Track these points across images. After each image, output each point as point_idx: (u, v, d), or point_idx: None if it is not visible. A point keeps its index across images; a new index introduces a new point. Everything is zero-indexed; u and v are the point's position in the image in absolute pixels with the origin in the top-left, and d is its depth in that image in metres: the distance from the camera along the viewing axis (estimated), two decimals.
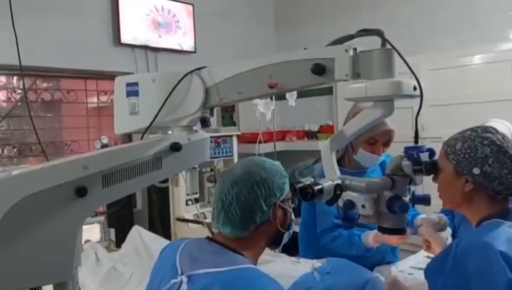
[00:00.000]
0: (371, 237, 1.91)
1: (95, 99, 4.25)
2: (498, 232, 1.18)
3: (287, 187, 1.26)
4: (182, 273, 1.15)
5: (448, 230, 2.52)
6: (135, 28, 4.12)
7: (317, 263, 1.73)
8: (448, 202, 1.34)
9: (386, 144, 2.00)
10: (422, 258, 2.13)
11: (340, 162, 2.05)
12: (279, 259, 2.05)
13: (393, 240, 1.87)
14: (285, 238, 1.31)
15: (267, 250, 1.35)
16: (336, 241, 1.99)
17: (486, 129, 1.25)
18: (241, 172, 1.24)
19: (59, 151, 4.01)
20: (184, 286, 1.12)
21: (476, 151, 1.22)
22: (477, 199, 1.26)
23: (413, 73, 1.11)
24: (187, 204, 3.67)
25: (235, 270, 1.12)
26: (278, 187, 1.23)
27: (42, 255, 1.01)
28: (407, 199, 1.23)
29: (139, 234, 2.97)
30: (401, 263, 2.13)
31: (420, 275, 1.72)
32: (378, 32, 1.10)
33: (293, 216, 1.31)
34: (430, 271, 1.27)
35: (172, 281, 1.15)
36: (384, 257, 2.11)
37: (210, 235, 1.34)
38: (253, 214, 1.20)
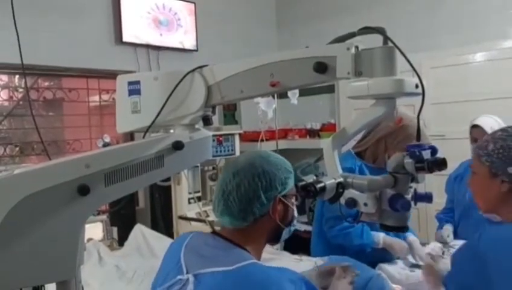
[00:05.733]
0: (382, 237, 2.08)
1: (96, 98, 4.25)
2: None
3: (290, 183, 1.26)
4: (187, 272, 1.15)
5: (449, 228, 2.55)
6: (137, 27, 4.12)
7: (319, 260, 1.73)
8: (484, 206, 1.31)
9: None
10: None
11: (360, 154, 2.13)
12: (282, 257, 2.05)
13: (398, 248, 2.07)
14: (285, 234, 1.30)
15: (269, 248, 1.35)
16: (345, 229, 2.07)
17: None
18: (244, 163, 1.25)
19: (61, 150, 4.02)
20: (191, 286, 1.11)
21: (509, 151, 1.20)
22: None
23: (416, 71, 1.11)
24: (189, 202, 3.66)
25: (241, 268, 1.11)
26: (279, 181, 1.23)
27: (45, 254, 1.01)
28: (409, 196, 1.23)
29: (141, 233, 2.98)
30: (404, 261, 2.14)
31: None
32: (380, 30, 1.10)
33: (295, 213, 1.30)
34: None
35: (178, 277, 1.15)
36: (385, 255, 2.12)
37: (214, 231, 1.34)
38: (252, 206, 1.20)
